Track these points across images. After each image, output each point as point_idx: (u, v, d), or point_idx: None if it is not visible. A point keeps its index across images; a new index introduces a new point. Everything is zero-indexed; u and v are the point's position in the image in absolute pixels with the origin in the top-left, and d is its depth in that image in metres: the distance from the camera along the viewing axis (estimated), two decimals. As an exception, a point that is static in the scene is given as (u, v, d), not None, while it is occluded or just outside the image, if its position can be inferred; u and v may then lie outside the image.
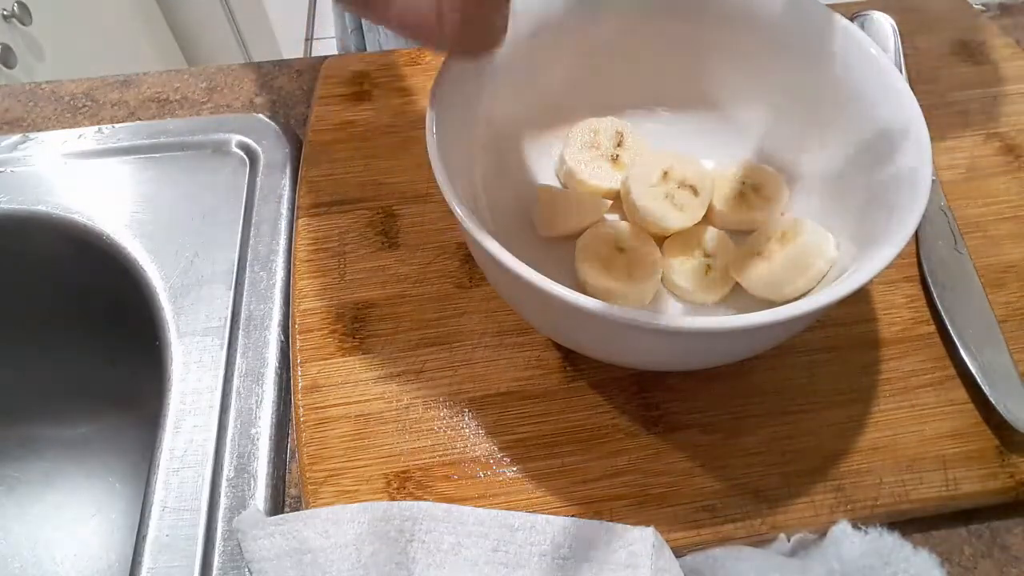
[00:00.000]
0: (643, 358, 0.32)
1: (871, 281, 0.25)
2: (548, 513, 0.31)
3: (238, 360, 0.37)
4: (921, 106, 0.29)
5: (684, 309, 0.35)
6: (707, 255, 0.35)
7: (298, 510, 0.32)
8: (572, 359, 0.36)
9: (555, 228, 0.36)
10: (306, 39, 1.90)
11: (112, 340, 0.52)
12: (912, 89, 0.30)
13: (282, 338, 0.38)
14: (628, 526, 0.30)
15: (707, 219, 0.36)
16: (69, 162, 0.45)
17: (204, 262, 0.41)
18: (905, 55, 0.48)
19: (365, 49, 0.72)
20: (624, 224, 0.36)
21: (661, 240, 0.36)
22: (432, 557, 0.30)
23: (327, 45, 1.89)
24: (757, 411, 0.34)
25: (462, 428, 0.34)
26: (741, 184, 0.36)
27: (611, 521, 0.30)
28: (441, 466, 0.33)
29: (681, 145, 0.38)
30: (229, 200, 0.43)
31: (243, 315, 0.39)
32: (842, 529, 0.30)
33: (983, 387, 0.33)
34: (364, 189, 0.42)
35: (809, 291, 0.32)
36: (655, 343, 0.28)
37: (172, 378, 0.37)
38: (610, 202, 0.37)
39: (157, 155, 0.46)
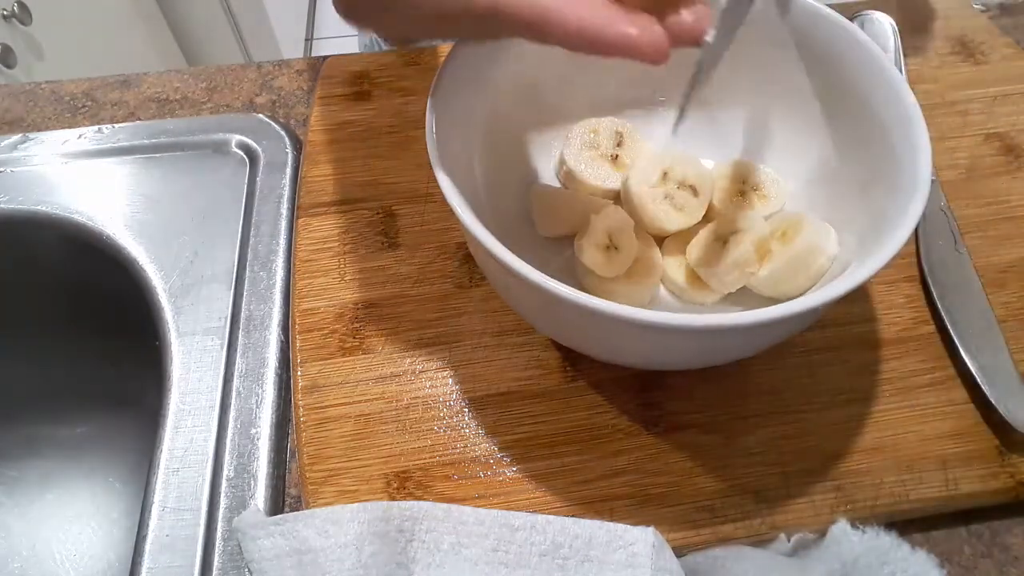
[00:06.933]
0: (643, 358, 0.32)
1: (870, 280, 0.25)
2: (548, 513, 0.31)
3: (238, 360, 0.37)
4: (921, 106, 0.29)
5: (684, 309, 0.35)
6: (707, 255, 0.35)
7: (298, 510, 0.32)
8: (572, 359, 0.36)
9: (555, 228, 0.36)
10: (306, 39, 1.90)
11: (112, 340, 0.52)
12: (912, 89, 0.30)
13: (282, 338, 0.38)
14: (628, 526, 0.30)
15: (707, 219, 0.36)
16: (69, 162, 0.45)
17: (204, 262, 0.41)
18: (905, 55, 0.48)
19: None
20: (624, 223, 0.36)
21: (661, 240, 0.36)
22: (432, 557, 0.30)
23: (327, 45, 1.89)
24: (757, 411, 0.34)
25: (462, 428, 0.34)
26: (741, 184, 0.36)
27: (611, 521, 0.30)
28: (441, 466, 0.33)
29: (681, 145, 0.38)
30: (229, 200, 0.43)
31: (243, 315, 0.39)
32: (841, 528, 0.30)
33: (983, 387, 0.33)
34: (364, 189, 0.42)
35: (810, 288, 0.32)
36: (655, 343, 0.28)
37: (172, 378, 0.37)
38: (610, 202, 0.37)
39: (157, 155, 0.46)
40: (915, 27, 0.50)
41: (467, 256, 0.39)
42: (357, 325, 0.37)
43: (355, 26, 0.28)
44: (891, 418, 0.34)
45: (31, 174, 0.45)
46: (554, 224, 0.36)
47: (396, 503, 0.30)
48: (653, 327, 0.25)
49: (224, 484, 0.33)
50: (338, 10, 0.27)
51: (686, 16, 0.23)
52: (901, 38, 0.48)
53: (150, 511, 0.33)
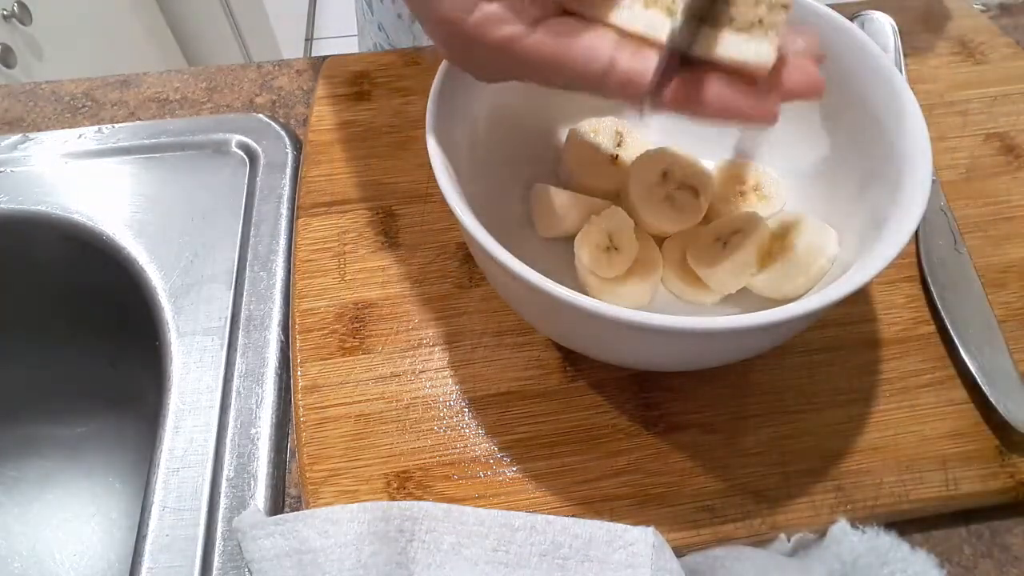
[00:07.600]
0: (643, 358, 0.32)
1: (871, 281, 0.25)
2: (548, 513, 0.31)
3: (238, 360, 0.37)
4: (921, 106, 0.29)
5: (684, 309, 0.35)
6: (707, 255, 0.35)
7: (298, 510, 0.32)
8: (572, 359, 0.36)
9: (555, 228, 0.36)
10: (306, 39, 1.90)
11: (112, 340, 0.52)
12: (912, 89, 0.30)
13: (282, 338, 0.38)
14: (628, 526, 0.30)
15: (707, 219, 0.36)
16: (69, 162, 0.45)
17: (204, 262, 0.41)
18: (905, 55, 0.48)
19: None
20: (624, 223, 0.36)
21: (661, 240, 0.36)
22: (432, 557, 0.30)
23: (327, 45, 1.89)
24: (757, 411, 0.34)
25: (462, 428, 0.34)
26: (741, 184, 0.36)
27: (611, 521, 0.30)
28: (441, 466, 0.33)
29: (681, 145, 0.38)
30: (229, 200, 0.43)
31: (243, 315, 0.39)
32: (841, 528, 0.30)
33: (983, 387, 0.33)
34: (364, 189, 0.42)
35: (811, 288, 0.32)
36: (655, 343, 0.28)
37: (172, 378, 0.37)
38: (610, 203, 0.37)
39: (157, 155, 0.46)
40: (915, 27, 0.50)
41: (467, 256, 0.39)
42: (357, 325, 0.37)
43: (460, 66, 0.27)
44: (891, 418, 0.34)
45: (31, 174, 0.45)
46: (554, 224, 0.36)
47: (396, 503, 0.30)
48: (651, 329, 0.25)
49: (224, 484, 0.33)
50: (443, 54, 0.27)
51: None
52: (901, 38, 0.48)
53: (150, 511, 0.33)
